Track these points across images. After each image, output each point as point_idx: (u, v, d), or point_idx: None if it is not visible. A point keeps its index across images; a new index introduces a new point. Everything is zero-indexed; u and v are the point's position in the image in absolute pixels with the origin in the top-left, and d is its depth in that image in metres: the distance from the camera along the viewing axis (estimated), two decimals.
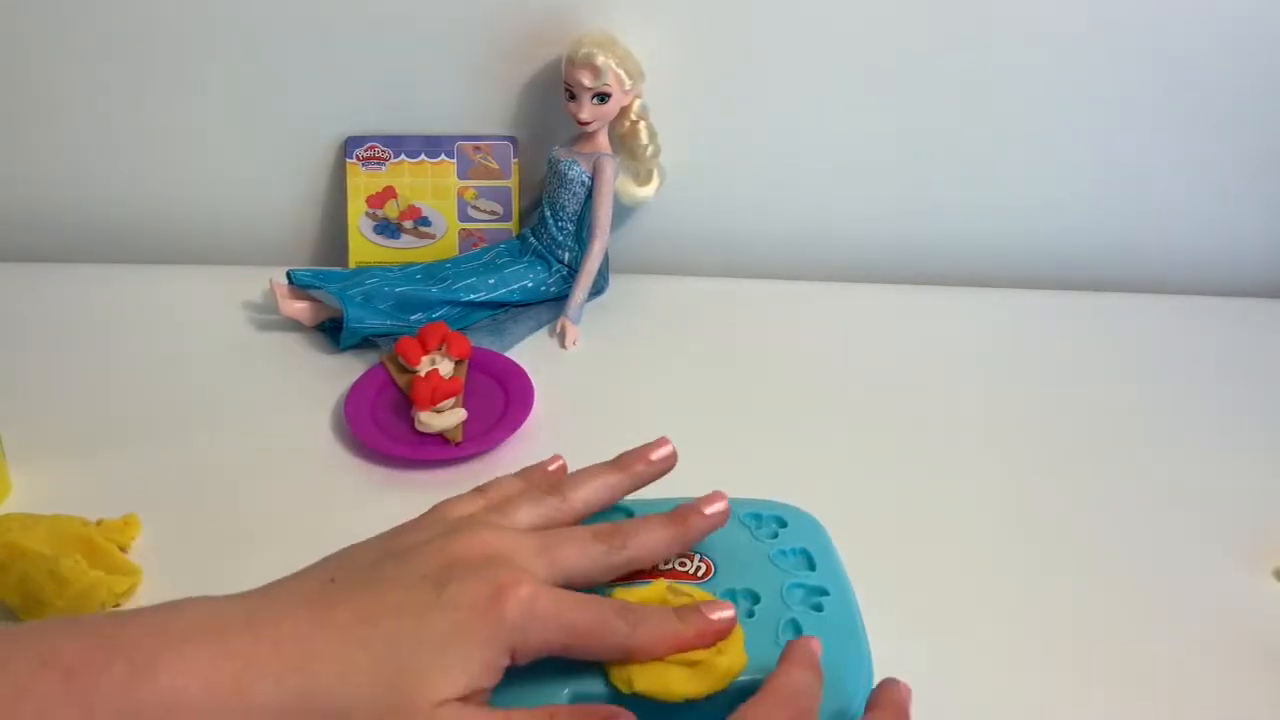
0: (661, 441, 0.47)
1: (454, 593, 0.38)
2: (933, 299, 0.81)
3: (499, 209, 0.80)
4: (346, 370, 0.71)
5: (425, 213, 0.80)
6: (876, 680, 0.44)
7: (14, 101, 0.80)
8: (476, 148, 0.79)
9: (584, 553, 0.42)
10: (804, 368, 0.73)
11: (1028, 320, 0.79)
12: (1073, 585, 0.56)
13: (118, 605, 0.53)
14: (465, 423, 0.65)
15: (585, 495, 0.45)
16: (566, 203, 0.76)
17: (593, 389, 0.70)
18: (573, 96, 0.73)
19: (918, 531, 0.59)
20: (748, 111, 0.79)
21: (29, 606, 0.51)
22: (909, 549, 0.58)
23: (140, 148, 0.81)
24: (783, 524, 0.49)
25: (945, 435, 0.67)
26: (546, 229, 0.78)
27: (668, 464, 0.47)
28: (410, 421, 0.65)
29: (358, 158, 0.79)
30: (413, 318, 0.74)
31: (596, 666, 0.40)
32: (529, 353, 0.73)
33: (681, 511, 0.45)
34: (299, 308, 0.73)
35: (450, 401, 0.66)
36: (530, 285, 0.77)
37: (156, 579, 0.55)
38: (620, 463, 0.47)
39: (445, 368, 0.68)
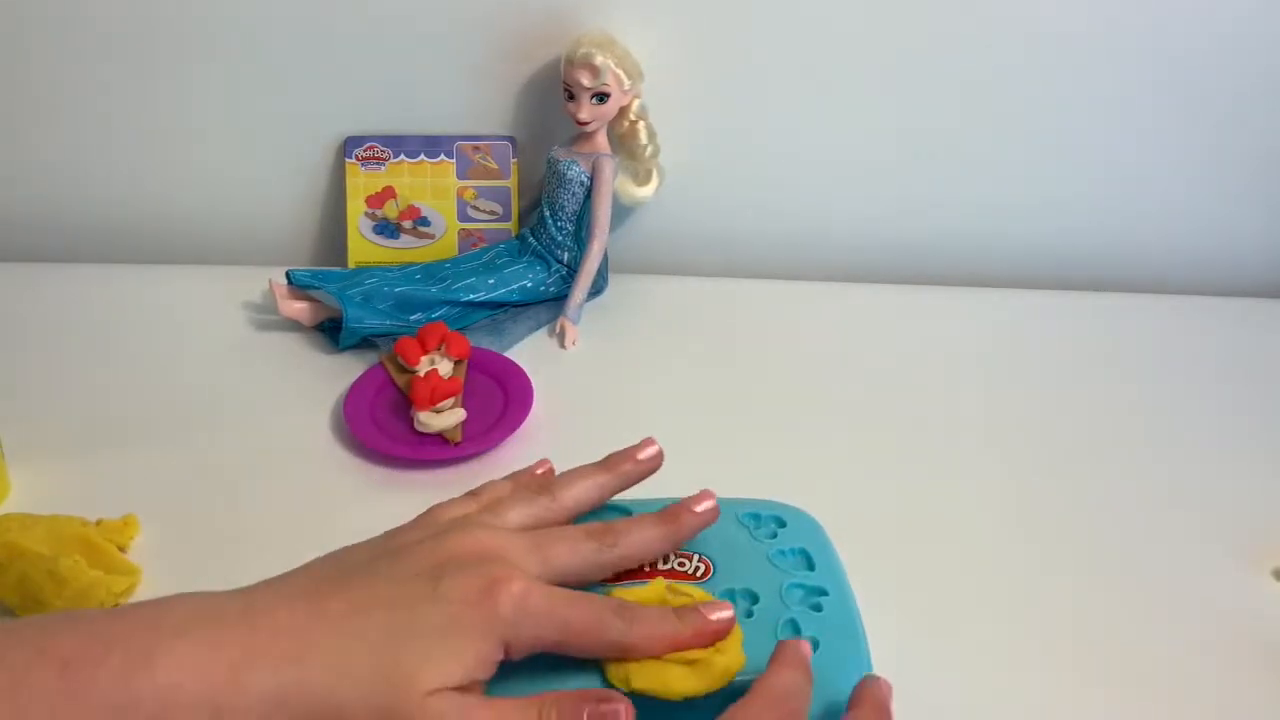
0: (648, 442, 0.48)
1: (447, 587, 0.38)
2: (933, 299, 0.81)
3: (498, 209, 0.80)
4: (346, 370, 0.71)
5: (425, 213, 0.80)
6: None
7: (14, 102, 0.80)
8: (476, 148, 0.79)
9: (575, 551, 0.42)
10: (804, 368, 0.73)
11: (1028, 320, 0.79)
12: (1073, 585, 0.56)
13: (116, 605, 0.53)
14: (464, 423, 0.65)
15: (575, 495, 0.45)
16: (566, 203, 0.76)
17: (592, 389, 0.70)
18: (572, 96, 0.73)
19: (918, 531, 0.59)
20: (748, 111, 0.79)
21: (28, 606, 0.51)
22: (909, 549, 0.58)
23: (140, 148, 0.81)
24: (782, 524, 0.49)
25: (945, 435, 0.67)
26: (546, 229, 0.78)
27: (654, 463, 0.48)
28: (410, 421, 0.65)
29: (357, 158, 0.79)
30: (412, 318, 0.74)
31: (594, 664, 0.40)
32: (528, 353, 0.73)
33: (672, 510, 0.45)
34: (298, 308, 0.73)
35: (450, 401, 0.66)
36: (529, 285, 0.77)
37: (155, 579, 0.55)
38: (608, 463, 0.47)
39: (445, 368, 0.68)
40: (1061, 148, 0.80)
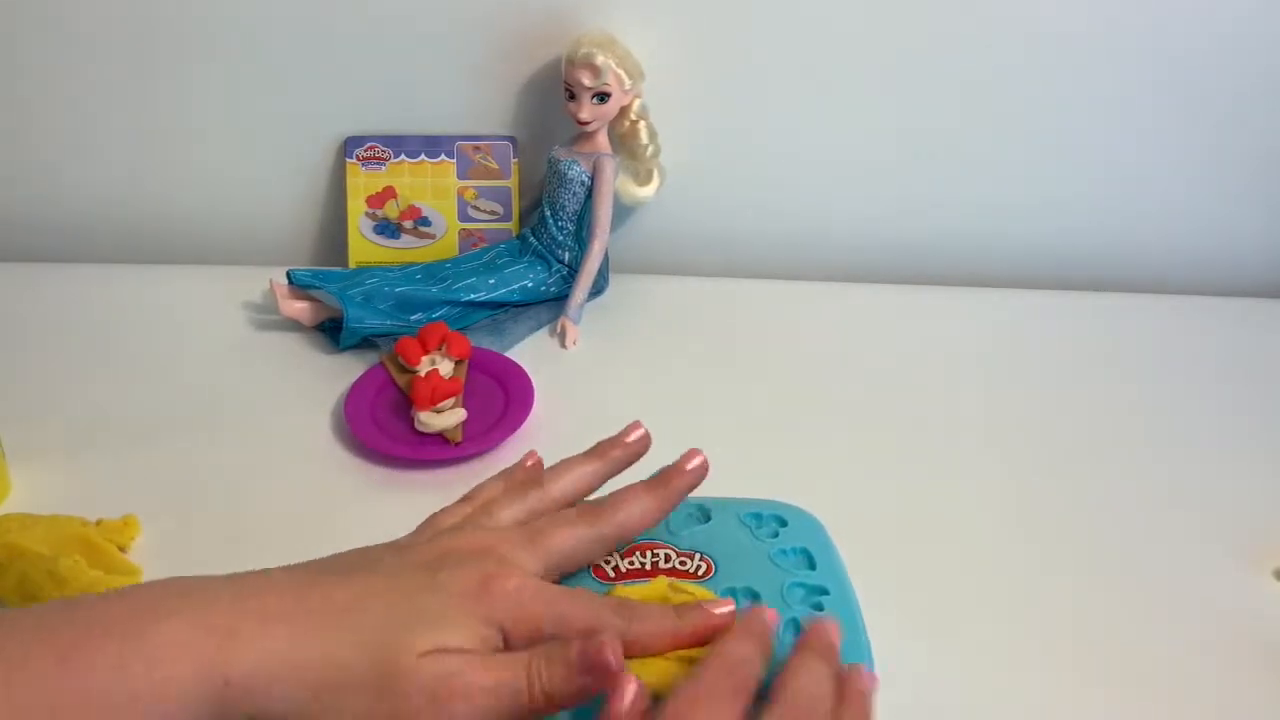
0: (634, 426, 0.48)
1: (445, 578, 0.38)
2: (933, 299, 0.81)
3: (499, 209, 0.80)
4: (346, 370, 0.71)
5: (425, 213, 0.80)
6: (879, 680, 0.44)
7: (14, 101, 0.80)
8: (476, 148, 0.79)
9: (572, 534, 0.42)
10: (804, 368, 0.73)
11: (1028, 320, 0.79)
12: (1073, 585, 0.56)
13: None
14: (465, 423, 0.65)
15: (565, 485, 0.46)
16: (566, 203, 0.76)
17: (593, 389, 0.70)
18: (572, 96, 0.73)
19: (918, 531, 0.59)
20: (748, 111, 0.79)
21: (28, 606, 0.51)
22: (909, 549, 0.58)
23: (140, 148, 0.81)
24: (783, 523, 0.49)
25: (945, 435, 0.67)
26: (546, 229, 0.78)
27: (642, 445, 0.48)
28: (410, 421, 0.65)
29: (358, 158, 0.79)
30: (413, 318, 0.74)
31: None
32: (529, 353, 0.73)
33: (662, 474, 0.46)
34: (299, 308, 0.73)
35: (450, 401, 0.66)
36: (530, 285, 0.77)
37: (156, 579, 0.55)
38: (597, 450, 0.47)
39: (445, 368, 0.68)
40: (1061, 148, 0.80)
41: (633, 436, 0.48)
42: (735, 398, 0.70)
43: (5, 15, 0.76)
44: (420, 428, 0.65)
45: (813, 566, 0.47)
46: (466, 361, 0.70)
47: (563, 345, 0.75)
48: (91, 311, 0.77)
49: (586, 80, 0.72)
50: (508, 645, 0.38)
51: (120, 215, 0.84)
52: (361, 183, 0.80)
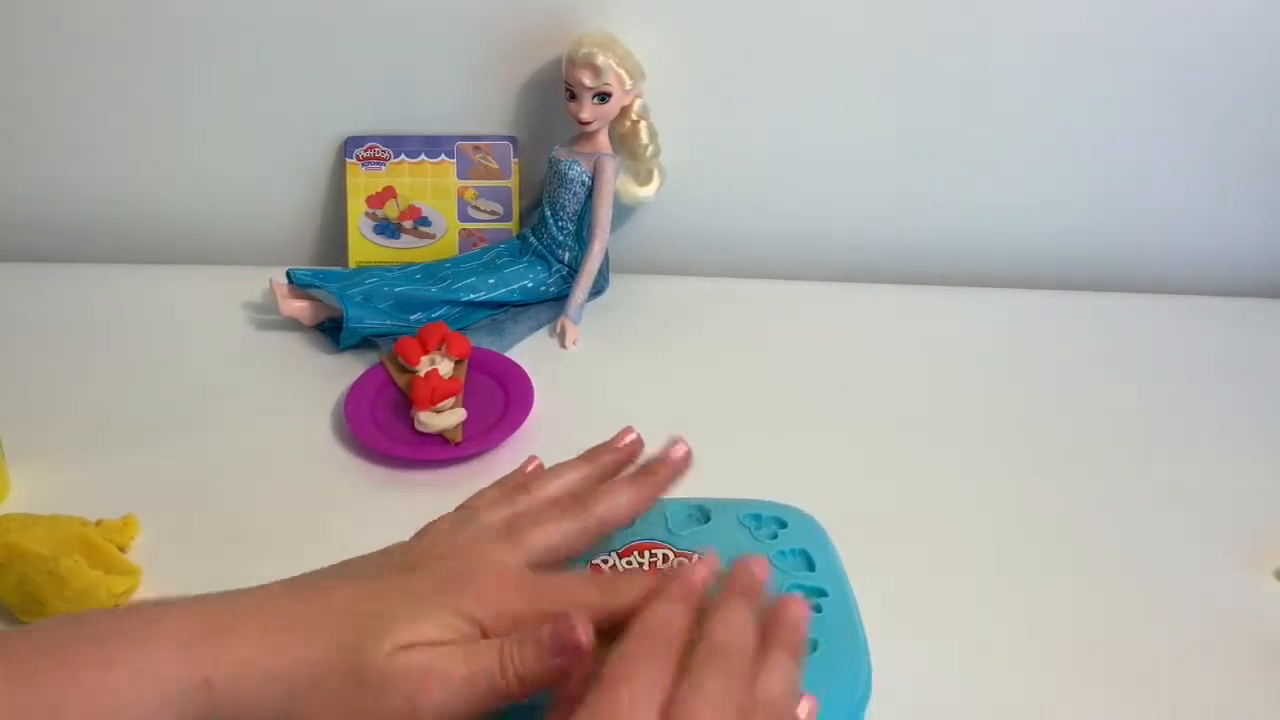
0: (626, 431, 0.48)
1: (418, 578, 0.39)
2: (933, 299, 0.81)
3: (499, 209, 0.80)
4: (346, 370, 0.71)
5: (425, 213, 0.80)
6: (875, 681, 0.44)
7: (14, 102, 0.80)
8: (476, 148, 0.79)
9: (554, 529, 0.43)
10: (804, 368, 0.73)
11: (1028, 320, 0.79)
12: (1073, 585, 0.56)
13: (117, 605, 0.53)
14: (465, 423, 0.65)
15: (554, 490, 0.46)
16: (567, 202, 0.76)
17: (593, 389, 0.70)
18: (573, 96, 0.73)
19: (918, 532, 0.59)
20: (748, 111, 0.79)
21: (28, 606, 0.51)
22: (909, 549, 0.58)
23: (140, 148, 0.81)
24: (782, 525, 0.49)
25: (945, 435, 0.67)
26: (546, 229, 0.78)
27: (634, 449, 0.48)
28: (410, 421, 0.65)
29: (358, 158, 0.79)
30: (412, 317, 0.74)
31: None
32: (529, 353, 0.73)
33: (646, 465, 0.46)
34: (299, 307, 0.73)
35: (450, 401, 0.66)
36: (530, 285, 0.77)
37: (156, 579, 0.55)
38: (588, 455, 0.48)
39: (445, 368, 0.68)
40: (1061, 148, 0.80)
41: (624, 441, 0.48)
42: (735, 398, 0.70)
43: (5, 15, 0.76)
44: (420, 428, 0.65)
45: (812, 568, 0.47)
46: (466, 361, 0.70)
47: (563, 345, 0.75)
48: (91, 311, 0.77)
49: (587, 80, 0.72)
50: (486, 634, 0.38)
51: (120, 215, 0.84)
52: (361, 183, 0.80)
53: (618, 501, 0.44)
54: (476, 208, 0.80)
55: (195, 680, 0.35)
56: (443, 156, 0.79)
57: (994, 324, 0.78)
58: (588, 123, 0.74)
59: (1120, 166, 0.80)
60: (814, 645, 0.43)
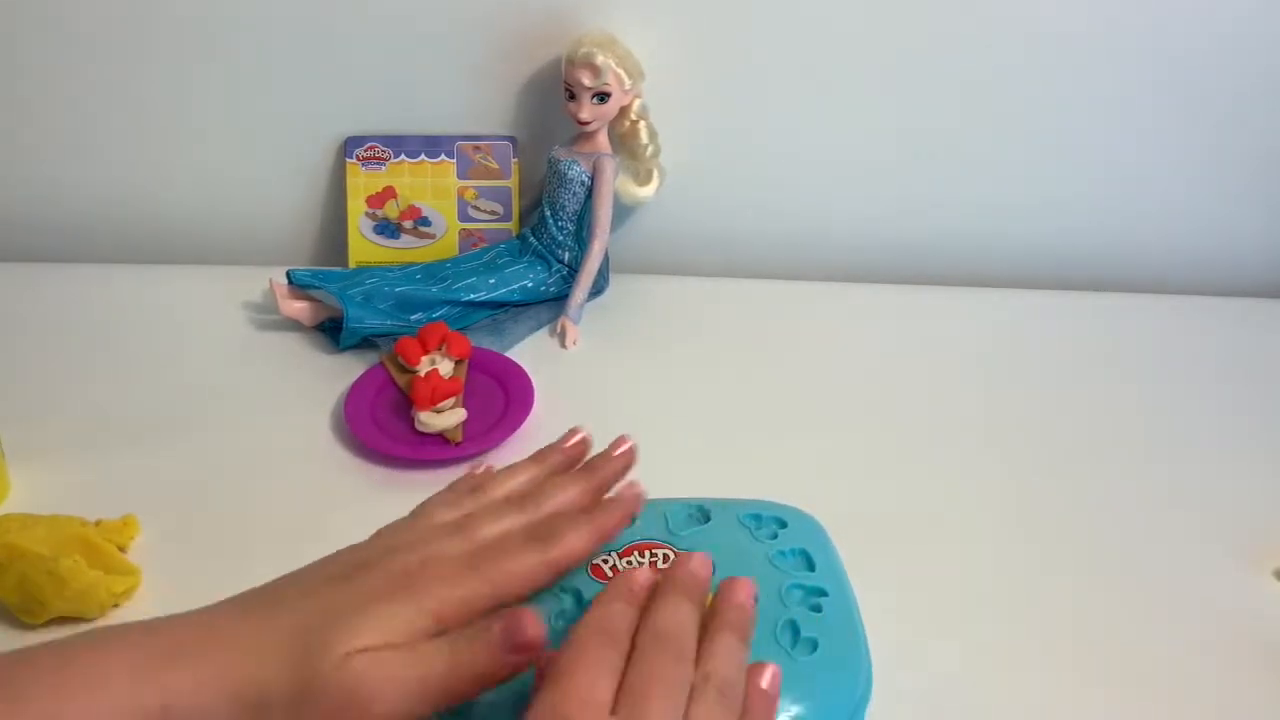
0: (573, 431, 0.49)
1: (360, 581, 0.39)
2: (933, 299, 0.81)
3: (499, 209, 0.80)
4: (346, 370, 0.71)
5: (425, 213, 0.80)
6: (875, 681, 0.44)
7: (14, 102, 0.80)
8: (476, 148, 0.79)
9: (500, 521, 0.43)
10: (804, 368, 0.73)
11: (1028, 320, 0.79)
12: (1073, 585, 0.56)
13: (116, 606, 0.53)
14: (465, 423, 0.65)
15: (504, 490, 0.46)
16: (566, 202, 0.76)
17: (593, 389, 0.70)
18: (573, 96, 0.73)
19: (918, 532, 0.59)
20: (748, 111, 0.79)
21: (28, 607, 0.51)
22: (909, 549, 0.58)
23: (140, 148, 0.81)
24: (782, 525, 0.49)
25: (945, 435, 0.67)
26: (546, 229, 0.78)
27: (582, 449, 0.49)
28: (410, 421, 0.65)
29: (358, 158, 0.79)
30: (412, 318, 0.74)
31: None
32: (529, 352, 0.73)
33: (591, 462, 0.47)
34: (299, 308, 0.73)
35: (450, 401, 0.66)
36: (530, 285, 0.77)
37: (155, 579, 0.55)
38: (535, 456, 0.48)
39: (445, 368, 0.68)
40: (1061, 148, 0.80)
41: (571, 441, 0.49)
42: (735, 398, 0.70)
43: (5, 15, 0.76)
44: (420, 428, 0.65)
45: (812, 568, 0.47)
46: (466, 361, 0.70)
47: (563, 345, 0.75)
48: (91, 311, 0.77)
49: (586, 80, 0.72)
50: (441, 620, 0.39)
51: (120, 215, 0.84)
52: (361, 183, 0.80)
53: (561, 498, 0.45)
54: (476, 208, 0.80)
55: (153, 708, 0.36)
56: (443, 156, 0.79)
57: (994, 324, 0.78)
58: (587, 123, 0.74)
59: (1120, 166, 0.80)
60: (814, 645, 0.43)
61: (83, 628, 0.52)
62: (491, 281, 0.76)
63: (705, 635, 0.39)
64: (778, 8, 0.75)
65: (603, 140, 0.76)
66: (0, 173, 0.83)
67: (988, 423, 0.68)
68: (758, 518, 0.49)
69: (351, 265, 0.80)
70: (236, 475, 0.62)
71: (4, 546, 0.51)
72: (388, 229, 0.80)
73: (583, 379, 0.71)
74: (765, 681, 0.38)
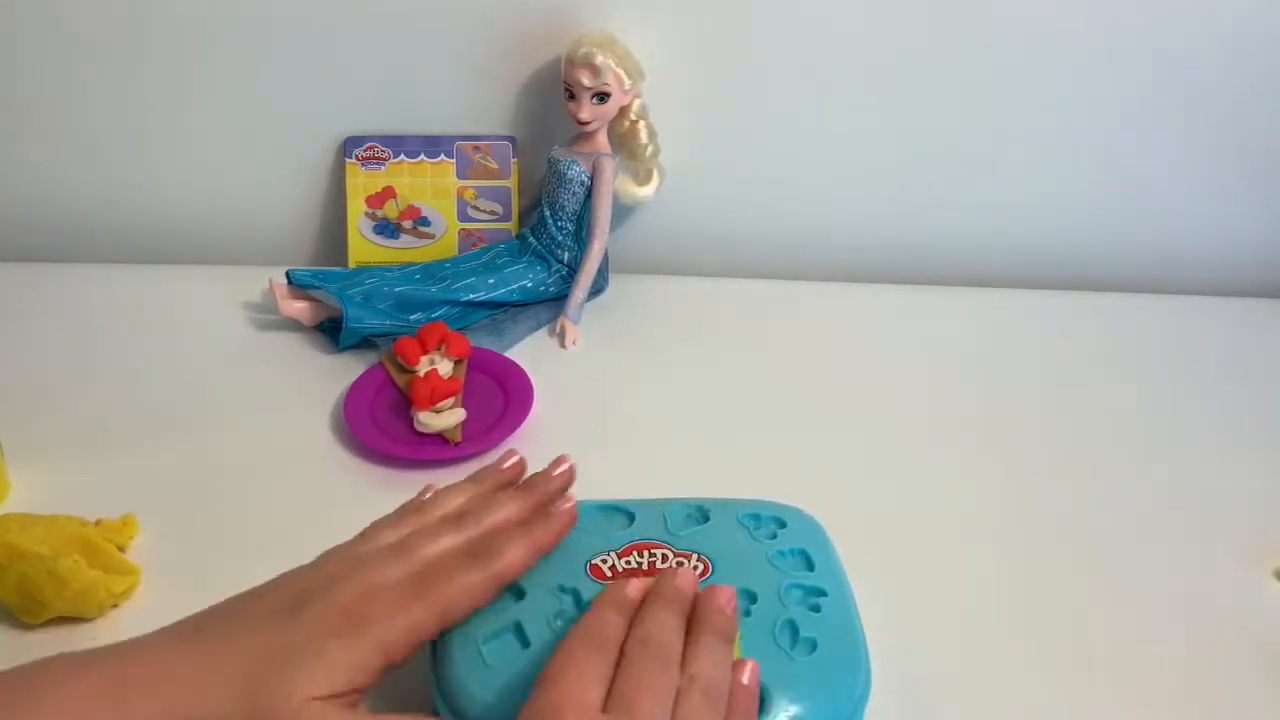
0: (510, 454, 0.51)
1: (308, 617, 0.40)
2: (933, 299, 0.81)
3: (498, 209, 0.80)
4: (346, 370, 0.71)
5: (425, 213, 0.80)
6: (875, 681, 0.44)
7: (14, 102, 0.80)
8: (476, 148, 0.79)
9: (440, 542, 0.44)
10: (804, 368, 0.73)
11: (1028, 320, 0.79)
12: (1072, 585, 0.56)
13: (116, 605, 0.53)
14: (464, 422, 0.65)
15: (442, 510, 0.47)
16: (566, 202, 0.76)
17: (592, 389, 0.70)
18: (572, 96, 0.73)
19: (918, 532, 0.59)
20: (748, 111, 0.79)
21: (28, 607, 0.51)
22: (909, 549, 0.58)
23: (140, 148, 0.81)
24: (782, 524, 0.49)
25: (945, 435, 0.67)
26: (546, 229, 0.78)
27: (517, 470, 0.50)
28: (410, 421, 0.65)
29: (357, 158, 0.79)
30: (412, 318, 0.74)
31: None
32: (529, 352, 0.73)
33: (529, 480, 0.49)
34: (299, 308, 0.73)
35: (449, 401, 0.66)
36: (530, 285, 0.77)
37: (155, 579, 0.55)
38: (474, 476, 0.50)
39: (444, 368, 0.68)
40: (1061, 148, 0.80)
41: (508, 463, 0.50)
42: (735, 398, 0.70)
43: (5, 15, 0.76)
44: (420, 428, 0.65)
45: (811, 567, 0.47)
46: (466, 361, 0.70)
47: (562, 345, 0.75)
48: (91, 311, 0.77)
49: (586, 80, 0.72)
50: (390, 659, 0.40)
51: (120, 215, 0.84)
52: (361, 183, 0.80)
53: (498, 514, 0.46)
54: (476, 208, 0.80)
55: None
56: (442, 156, 0.79)
57: (994, 324, 0.78)
58: (587, 123, 0.74)
59: (1120, 166, 0.80)
60: (813, 645, 0.43)
61: (83, 627, 0.52)
62: (491, 281, 0.76)
63: (689, 640, 0.40)
64: (778, 8, 0.75)
65: (602, 140, 0.76)
66: (0, 173, 0.83)
67: (988, 423, 0.68)
68: (757, 518, 0.49)
69: (351, 265, 0.80)
70: (236, 475, 0.62)
71: (4, 546, 0.51)
72: (387, 229, 0.80)
73: (582, 379, 0.71)
74: (746, 677, 0.40)
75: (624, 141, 0.77)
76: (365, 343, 0.73)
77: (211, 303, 0.77)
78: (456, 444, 0.64)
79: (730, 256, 0.84)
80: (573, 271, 0.77)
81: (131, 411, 0.67)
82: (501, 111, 0.79)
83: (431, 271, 0.77)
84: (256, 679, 0.38)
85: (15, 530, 0.53)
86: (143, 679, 0.38)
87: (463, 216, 0.80)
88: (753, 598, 0.45)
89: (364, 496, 0.62)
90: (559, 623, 0.43)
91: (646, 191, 0.78)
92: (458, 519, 0.46)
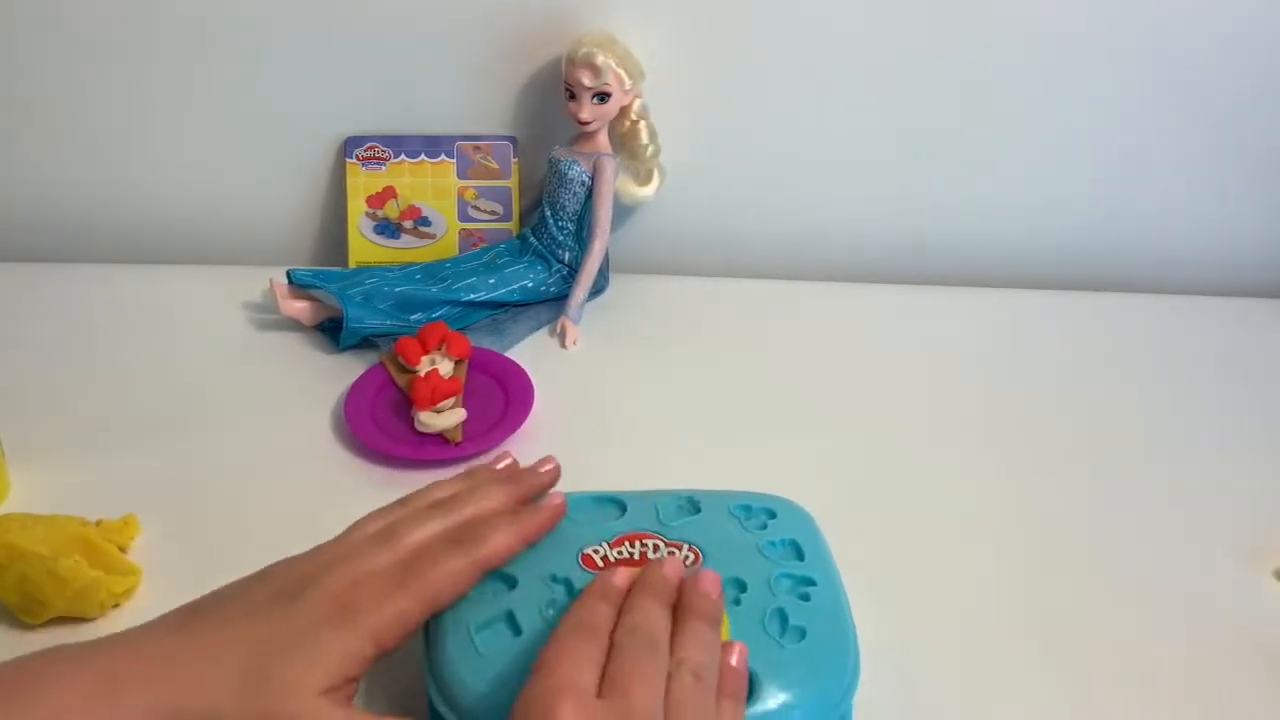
0: (503, 455, 0.52)
1: (304, 602, 0.41)
2: (933, 299, 0.81)
3: (499, 209, 0.80)
4: (346, 370, 0.71)
5: (425, 213, 0.80)
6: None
7: (13, 102, 0.80)
8: (476, 148, 0.79)
9: (425, 528, 0.45)
10: (804, 368, 0.73)
11: (1028, 320, 0.79)
12: (1072, 585, 0.56)
13: (117, 606, 0.53)
14: (465, 423, 0.65)
15: (429, 499, 0.48)
16: (566, 202, 0.76)
17: (592, 389, 0.70)
18: (573, 96, 0.73)
19: (918, 531, 0.59)
20: (748, 111, 0.79)
21: (29, 607, 0.51)
22: (909, 549, 0.58)
23: (140, 148, 0.81)
24: (772, 515, 0.49)
25: (945, 435, 0.67)
26: (546, 229, 0.78)
27: (509, 471, 0.51)
28: (410, 421, 0.65)
29: (358, 158, 0.79)
30: (412, 317, 0.74)
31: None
32: (529, 352, 0.73)
33: (517, 472, 0.50)
34: (299, 308, 0.73)
35: (450, 401, 0.66)
36: (530, 285, 0.77)
37: (156, 579, 0.55)
38: (466, 472, 0.51)
39: (445, 368, 0.68)
40: (1061, 148, 0.80)
41: (501, 465, 0.51)
42: (735, 398, 0.70)
43: (5, 15, 0.76)
44: (420, 428, 0.65)
45: (801, 557, 0.47)
46: (466, 361, 0.70)
47: (563, 345, 0.75)
48: (91, 311, 0.77)
49: (587, 80, 0.72)
50: (381, 646, 0.41)
51: (120, 215, 0.84)
52: (361, 183, 0.80)
53: (483, 503, 0.47)
54: (476, 208, 0.80)
55: None
56: (443, 156, 0.79)
57: (994, 324, 0.78)
58: (587, 123, 0.74)
59: (1120, 166, 0.80)
60: (802, 633, 0.43)
61: (83, 627, 0.52)
62: (491, 281, 0.76)
63: (676, 626, 0.41)
64: (778, 8, 0.75)
65: (603, 140, 0.76)
66: (0, 173, 0.83)
67: (988, 423, 0.68)
68: (747, 508, 0.49)
69: (351, 265, 0.80)
70: (236, 475, 0.62)
71: (4, 546, 0.51)
72: (388, 229, 0.80)
73: (583, 379, 0.71)
74: (734, 659, 0.41)
75: (624, 141, 0.77)
76: (366, 343, 0.73)
77: (211, 303, 0.77)
78: (457, 444, 0.64)
79: (730, 256, 0.84)
80: (573, 271, 0.77)
81: (132, 411, 0.67)
82: (502, 111, 0.79)
83: (432, 271, 0.77)
84: (256, 670, 0.38)
85: (15, 530, 0.53)
86: (138, 672, 0.38)
87: (463, 216, 0.80)
88: (743, 587, 0.45)
89: (364, 496, 0.61)
90: (551, 612, 0.43)
91: (647, 191, 0.78)
92: (443, 507, 0.47)
